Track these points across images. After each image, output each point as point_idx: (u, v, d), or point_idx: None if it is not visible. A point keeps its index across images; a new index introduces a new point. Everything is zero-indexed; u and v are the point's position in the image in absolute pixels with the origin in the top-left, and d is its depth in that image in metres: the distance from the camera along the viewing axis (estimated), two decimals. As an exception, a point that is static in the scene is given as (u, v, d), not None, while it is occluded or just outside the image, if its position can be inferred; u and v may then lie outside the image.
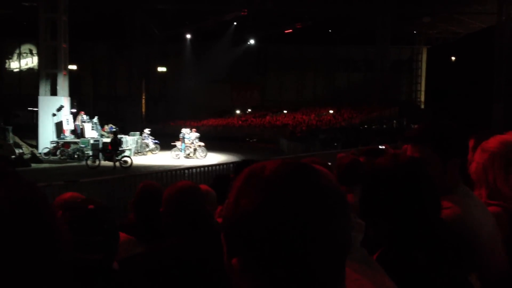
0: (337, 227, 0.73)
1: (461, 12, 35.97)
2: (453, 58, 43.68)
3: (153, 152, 24.25)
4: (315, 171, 0.76)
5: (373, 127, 34.96)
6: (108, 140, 21.10)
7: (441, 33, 42.92)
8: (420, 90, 47.38)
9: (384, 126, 36.04)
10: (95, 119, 24.67)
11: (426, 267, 1.37)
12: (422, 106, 46.23)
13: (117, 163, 19.14)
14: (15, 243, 0.56)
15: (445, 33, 42.61)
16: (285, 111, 42.89)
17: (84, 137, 22.67)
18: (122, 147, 20.45)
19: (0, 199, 0.57)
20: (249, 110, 46.08)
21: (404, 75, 47.61)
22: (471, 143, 2.76)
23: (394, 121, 37.68)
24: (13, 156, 18.87)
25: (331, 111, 40.49)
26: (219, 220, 2.49)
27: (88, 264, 1.69)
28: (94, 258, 1.71)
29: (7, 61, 46.02)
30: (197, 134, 22.74)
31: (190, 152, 22.12)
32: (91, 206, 1.75)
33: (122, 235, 2.62)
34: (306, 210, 0.71)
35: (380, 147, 8.47)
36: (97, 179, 9.66)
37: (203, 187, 3.09)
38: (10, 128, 21.50)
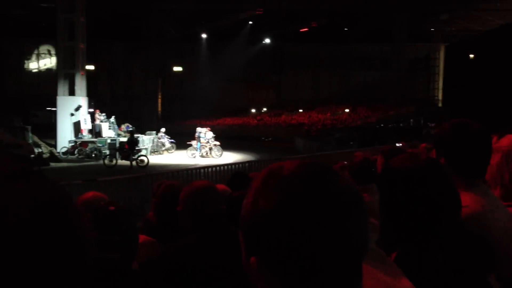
0: (355, 228, 0.73)
1: (480, 9, 35.40)
2: (471, 55, 43.01)
3: (169, 151, 24.40)
4: (333, 172, 0.77)
5: (390, 125, 34.64)
6: (125, 139, 21.28)
7: (459, 30, 42.31)
8: (438, 88, 46.76)
9: (401, 124, 35.69)
10: (112, 119, 24.91)
11: (445, 267, 1.36)
12: (440, 105, 45.63)
13: (134, 162, 19.29)
14: (41, 245, 0.55)
15: (463, 31, 41.99)
16: (300, 110, 42.72)
17: (102, 137, 22.90)
18: (138, 147, 20.60)
19: (27, 200, 0.57)
20: (265, 109, 45.99)
21: (421, 73, 47.06)
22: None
23: (411, 120, 37.29)
24: (32, 156, 19.16)
25: (347, 110, 40.23)
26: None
27: (105, 262, 1.72)
28: (111, 256, 1.74)
29: (26, 61, 46.68)
30: (213, 133, 22.79)
31: (206, 151, 22.19)
32: (112, 208, 1.80)
33: (144, 238, 2.65)
34: (324, 210, 0.71)
35: (397, 144, 8.41)
36: (114, 178, 9.76)
37: (220, 186, 3.10)
38: (29, 127, 21.82)
